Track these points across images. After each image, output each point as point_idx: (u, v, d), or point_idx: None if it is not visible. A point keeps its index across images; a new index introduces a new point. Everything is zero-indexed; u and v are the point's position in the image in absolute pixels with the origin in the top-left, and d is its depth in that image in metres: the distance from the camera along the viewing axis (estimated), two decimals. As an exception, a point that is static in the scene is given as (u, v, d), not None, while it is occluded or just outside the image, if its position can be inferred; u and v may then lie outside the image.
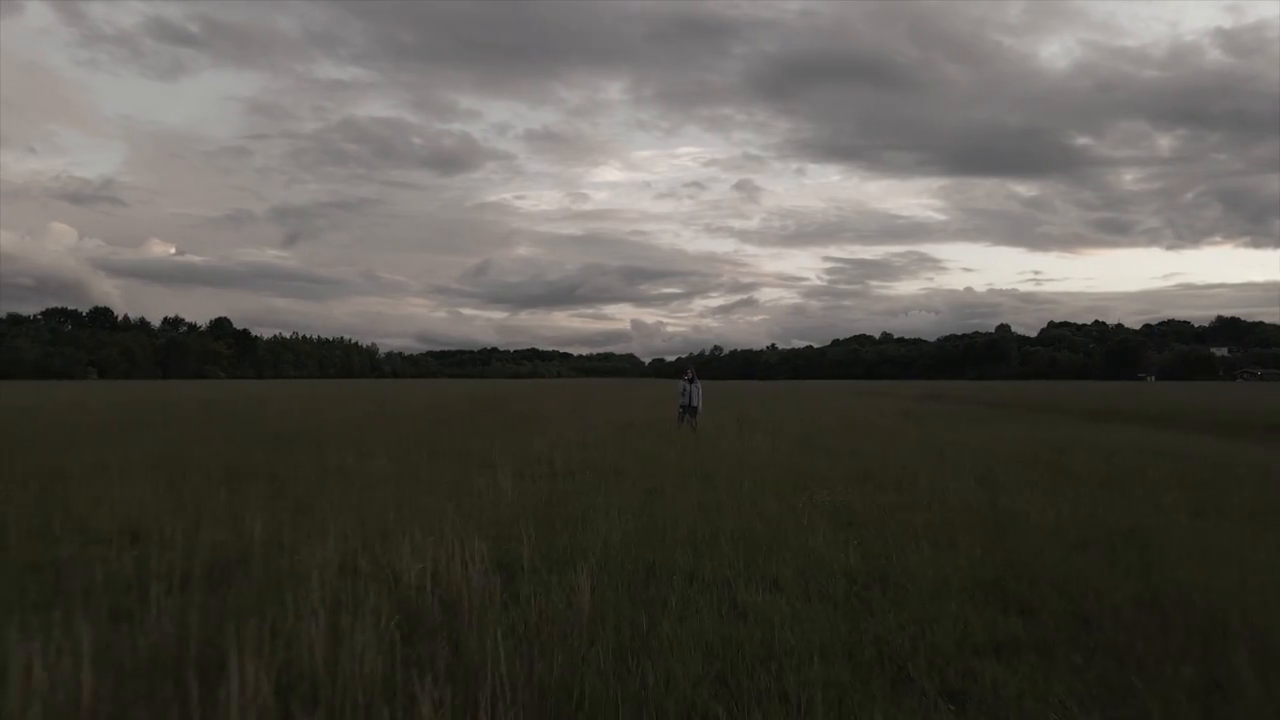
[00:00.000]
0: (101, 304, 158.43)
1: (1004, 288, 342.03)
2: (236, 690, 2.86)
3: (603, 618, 4.10)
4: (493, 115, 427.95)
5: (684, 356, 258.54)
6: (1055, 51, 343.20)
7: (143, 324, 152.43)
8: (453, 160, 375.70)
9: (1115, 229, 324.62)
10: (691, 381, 19.57)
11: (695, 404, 19.00)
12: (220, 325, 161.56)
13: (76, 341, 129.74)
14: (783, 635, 3.94)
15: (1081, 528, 6.61)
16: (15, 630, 3.27)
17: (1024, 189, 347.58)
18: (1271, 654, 3.56)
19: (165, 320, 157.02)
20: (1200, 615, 4.16)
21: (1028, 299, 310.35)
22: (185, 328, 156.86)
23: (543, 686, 3.23)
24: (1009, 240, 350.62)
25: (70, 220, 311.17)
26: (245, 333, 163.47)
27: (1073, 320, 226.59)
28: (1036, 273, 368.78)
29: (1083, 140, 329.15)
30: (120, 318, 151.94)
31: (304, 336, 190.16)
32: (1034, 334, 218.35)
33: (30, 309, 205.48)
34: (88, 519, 6.54)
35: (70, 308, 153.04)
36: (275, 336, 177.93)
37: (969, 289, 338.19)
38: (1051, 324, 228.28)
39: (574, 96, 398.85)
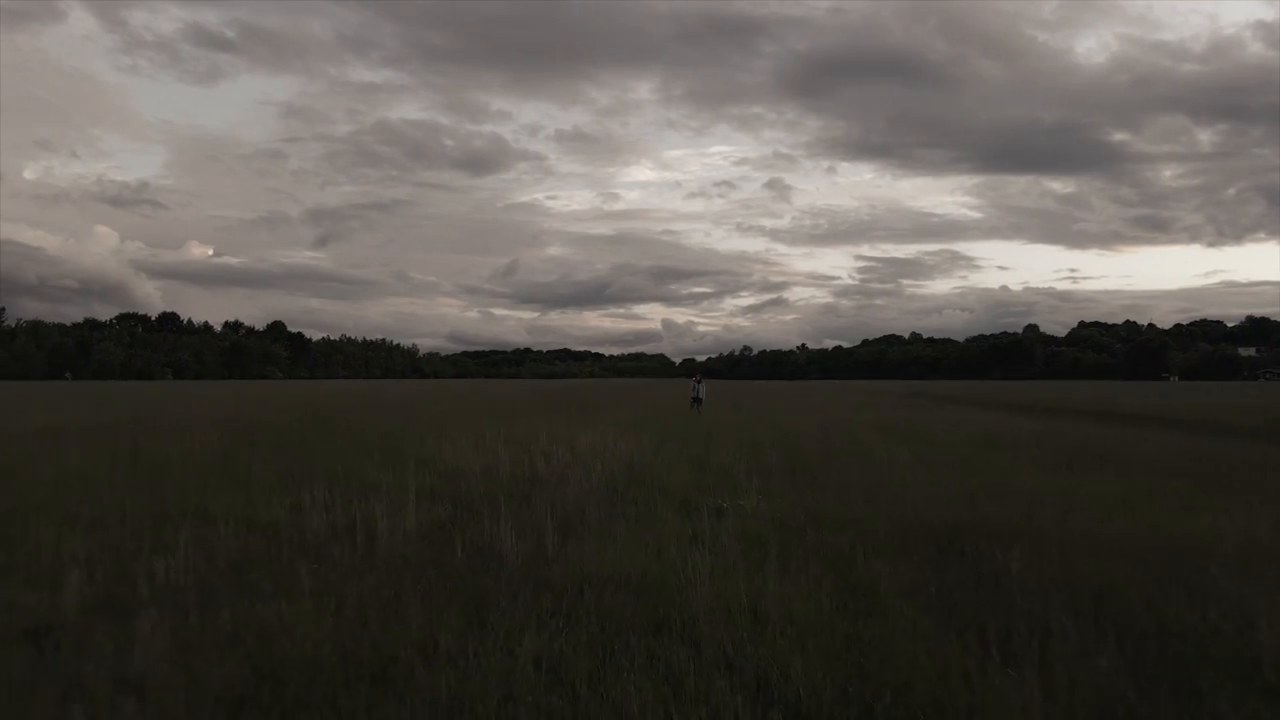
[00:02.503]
0: (143, 305, 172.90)
1: (1040, 286, 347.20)
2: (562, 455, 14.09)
3: (643, 452, 15.32)
4: (523, 116, 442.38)
5: (714, 357, 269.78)
6: (1091, 46, 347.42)
7: (206, 327, 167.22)
8: (484, 161, 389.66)
9: (1154, 226, 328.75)
10: (699, 381, 30.94)
11: (701, 397, 30.22)
12: (276, 328, 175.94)
13: (152, 345, 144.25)
14: (699, 456, 15.06)
15: (830, 440, 17.60)
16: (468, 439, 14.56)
17: (1060, 186, 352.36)
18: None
19: (226, 324, 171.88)
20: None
21: (1064, 297, 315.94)
22: (244, 331, 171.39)
23: (629, 460, 14.44)
24: (1045, 238, 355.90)
25: (112, 223, 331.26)
26: (299, 335, 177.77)
27: (1108, 320, 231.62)
28: (1073, 271, 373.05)
29: (1120, 136, 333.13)
30: (186, 321, 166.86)
31: (349, 338, 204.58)
32: (1068, 334, 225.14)
33: (74, 310, 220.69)
34: (476, 426, 17.90)
35: (140, 313, 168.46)
36: (324, 338, 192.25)
37: (1004, 287, 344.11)
38: (1082, 324, 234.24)
39: (604, 97, 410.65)
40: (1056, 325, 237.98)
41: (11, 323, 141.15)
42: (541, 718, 3.52)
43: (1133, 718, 3.55)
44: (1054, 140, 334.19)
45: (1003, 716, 3.53)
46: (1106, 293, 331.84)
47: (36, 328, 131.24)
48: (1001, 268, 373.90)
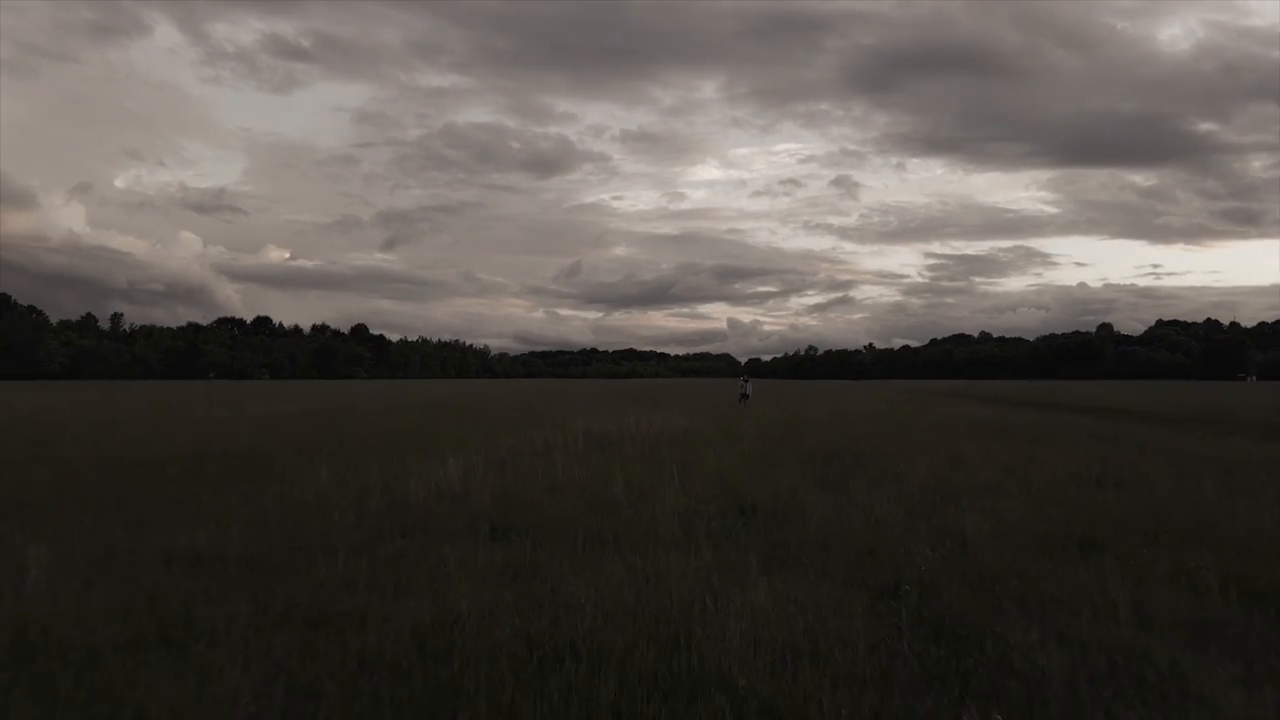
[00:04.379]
0: (224, 307, 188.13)
1: (1120, 283, 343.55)
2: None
3: (694, 426, 23.95)
4: (588, 118, 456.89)
5: (779, 356, 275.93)
6: (1175, 34, 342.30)
7: (296, 330, 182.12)
8: (550, 163, 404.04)
9: (1244, 219, 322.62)
10: (746, 381, 39.56)
11: (748, 393, 38.73)
12: (359, 330, 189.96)
13: (250, 347, 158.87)
14: (729, 429, 23.58)
15: (823, 422, 25.89)
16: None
17: (1141, 179, 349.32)
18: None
19: (314, 327, 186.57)
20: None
21: (1146, 294, 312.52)
22: (330, 333, 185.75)
23: (685, 429, 23.08)
24: (1126, 233, 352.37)
25: (196, 228, 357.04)
26: (380, 337, 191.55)
27: (1190, 318, 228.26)
28: (1156, 266, 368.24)
29: (1206, 126, 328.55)
30: (277, 324, 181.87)
31: (425, 339, 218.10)
32: (1144, 333, 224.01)
33: (161, 312, 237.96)
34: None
35: (236, 316, 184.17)
36: (402, 340, 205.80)
37: (1082, 284, 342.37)
38: (1160, 322, 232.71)
39: (668, 96, 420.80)
40: (1137, 323, 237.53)
41: (125, 327, 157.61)
42: (647, 473, 12.10)
43: (831, 480, 11.97)
44: (1135, 131, 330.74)
45: (796, 485, 11.95)
46: (1192, 289, 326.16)
47: (151, 332, 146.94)
48: (1080, 264, 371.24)
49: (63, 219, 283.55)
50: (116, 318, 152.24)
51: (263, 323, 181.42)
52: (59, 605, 5.10)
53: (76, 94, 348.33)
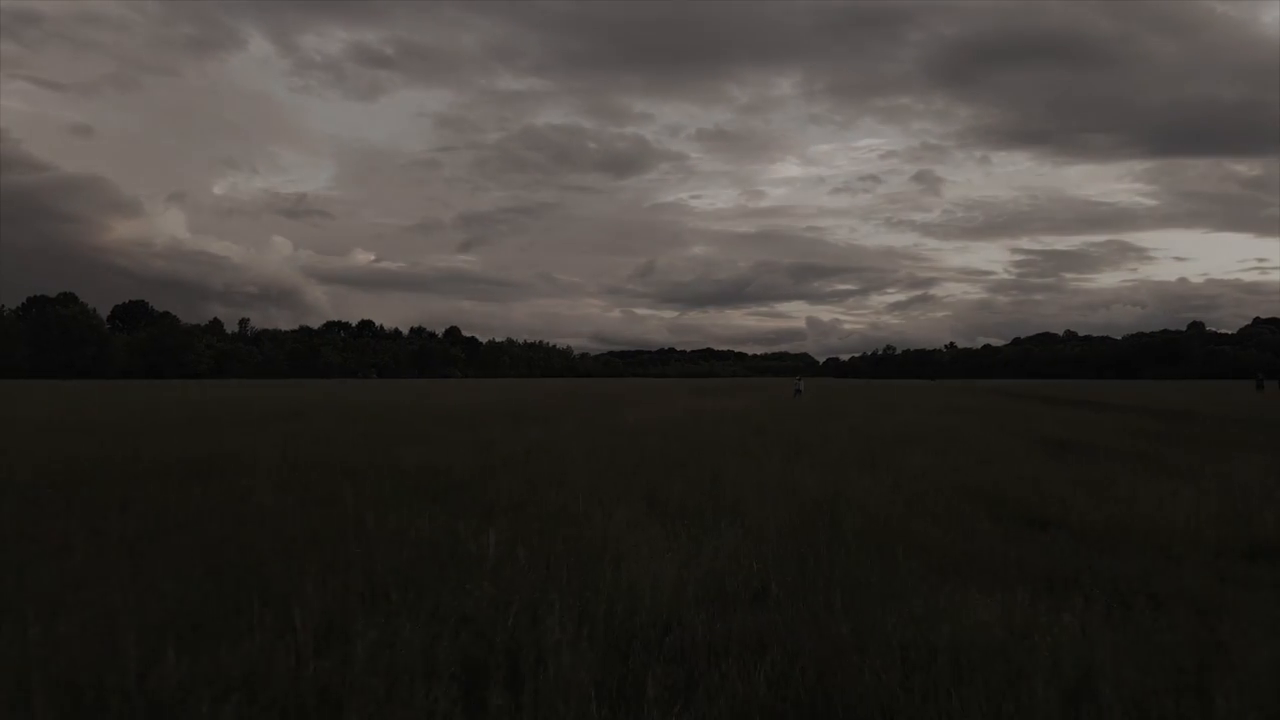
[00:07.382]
0: (312, 309, 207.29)
1: (1223, 278, 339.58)
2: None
3: (755, 408, 37.66)
4: (664, 117, 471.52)
5: (857, 356, 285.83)
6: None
7: (396, 333, 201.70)
8: (627, 163, 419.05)
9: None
10: (800, 380, 53.33)
11: (801, 389, 52.21)
12: (452, 333, 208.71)
13: (359, 349, 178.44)
14: (777, 412, 37.16)
15: (850, 403, 39.16)
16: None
17: (1245, 168, 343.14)
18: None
19: (411, 329, 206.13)
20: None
21: (1252, 289, 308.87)
22: (427, 334, 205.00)
23: (747, 408, 36.81)
24: (1229, 225, 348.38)
25: (287, 233, 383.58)
26: (472, 339, 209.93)
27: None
28: (1261, 260, 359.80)
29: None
30: (379, 326, 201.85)
31: (513, 340, 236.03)
32: (1238, 332, 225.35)
33: (254, 315, 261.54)
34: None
35: (340, 320, 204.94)
36: (491, 341, 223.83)
37: (1182, 280, 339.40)
38: (1258, 320, 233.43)
39: (745, 94, 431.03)
40: (1241, 320, 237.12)
41: (248, 332, 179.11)
42: (718, 421, 25.82)
43: (811, 422, 25.50)
44: (1238, 119, 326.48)
45: (791, 424, 25.50)
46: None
47: (274, 335, 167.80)
48: (1179, 259, 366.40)
49: (165, 225, 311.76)
50: (244, 323, 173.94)
51: (366, 326, 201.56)
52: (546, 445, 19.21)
53: (177, 106, 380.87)
